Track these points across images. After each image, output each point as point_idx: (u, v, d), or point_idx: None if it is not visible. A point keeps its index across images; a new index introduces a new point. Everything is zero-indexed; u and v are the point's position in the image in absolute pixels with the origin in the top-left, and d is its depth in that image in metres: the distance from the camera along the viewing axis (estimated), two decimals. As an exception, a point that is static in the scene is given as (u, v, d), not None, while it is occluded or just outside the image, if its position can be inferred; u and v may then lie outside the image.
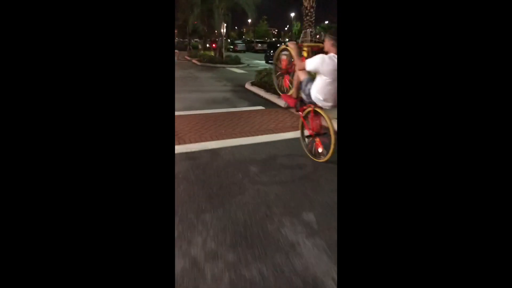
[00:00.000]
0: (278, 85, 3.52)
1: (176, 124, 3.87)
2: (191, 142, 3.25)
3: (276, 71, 3.56)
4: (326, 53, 2.46)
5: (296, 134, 3.15)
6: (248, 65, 14.26)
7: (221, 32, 14.46)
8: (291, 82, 3.16)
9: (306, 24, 6.82)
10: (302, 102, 2.89)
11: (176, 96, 5.66)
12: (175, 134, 3.49)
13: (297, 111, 3.00)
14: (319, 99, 2.52)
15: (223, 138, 3.41)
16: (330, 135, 2.51)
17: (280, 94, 3.36)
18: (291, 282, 1.38)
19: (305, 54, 2.94)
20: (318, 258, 1.54)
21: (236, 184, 2.33)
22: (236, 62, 14.29)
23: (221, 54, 15.02)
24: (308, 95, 2.63)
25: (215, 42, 16.57)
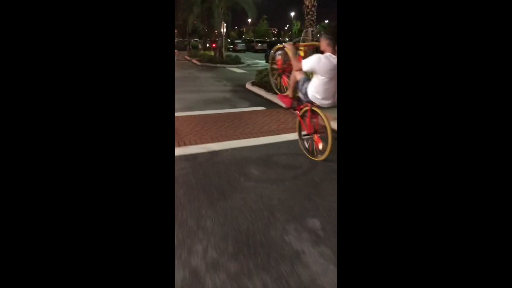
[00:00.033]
0: (275, 84, 3.52)
1: (176, 125, 3.80)
2: (191, 144, 3.17)
3: (273, 71, 3.56)
4: (322, 52, 2.45)
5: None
6: (248, 64, 14.20)
7: (221, 32, 14.39)
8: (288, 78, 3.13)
9: (307, 23, 6.74)
10: (299, 101, 2.89)
11: (176, 96, 5.59)
12: (175, 135, 3.42)
13: (294, 110, 2.99)
14: (317, 98, 2.51)
15: (224, 140, 3.34)
16: (327, 134, 2.50)
17: (278, 94, 3.35)
18: (297, 294, 1.31)
19: (301, 53, 2.92)
20: (325, 268, 1.46)
21: (237, 188, 2.25)
22: (236, 62, 14.23)
23: (221, 54, 14.94)
24: (305, 94, 2.62)
25: (215, 41, 16.52)
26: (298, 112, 2.92)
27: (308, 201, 2.09)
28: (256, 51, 28.36)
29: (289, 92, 2.93)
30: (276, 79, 3.49)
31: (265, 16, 59.34)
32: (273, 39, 53.50)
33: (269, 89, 6.02)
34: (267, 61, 15.32)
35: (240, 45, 30.22)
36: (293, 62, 2.69)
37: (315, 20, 6.73)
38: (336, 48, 2.36)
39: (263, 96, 6.03)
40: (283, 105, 3.14)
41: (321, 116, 2.59)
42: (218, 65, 13.61)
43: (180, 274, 1.39)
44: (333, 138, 2.48)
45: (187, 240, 1.63)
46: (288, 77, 3.00)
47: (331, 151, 2.51)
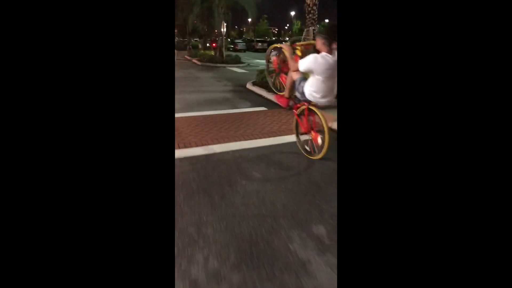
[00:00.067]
0: (273, 83, 3.54)
1: (176, 126, 3.74)
2: (191, 146, 3.11)
3: (269, 71, 3.60)
4: (318, 52, 2.45)
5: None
6: (248, 64, 14.12)
7: (221, 31, 14.30)
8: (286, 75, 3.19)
9: (309, 22, 6.66)
10: (296, 100, 2.89)
11: (176, 97, 5.54)
12: (175, 137, 3.35)
13: (291, 109, 3.04)
14: (314, 96, 2.53)
15: (224, 142, 3.27)
16: (324, 133, 2.53)
17: (275, 93, 3.41)
18: (303, 308, 1.24)
19: (298, 53, 2.93)
20: (331, 278, 1.39)
21: (239, 193, 2.18)
22: (237, 61, 14.15)
23: (221, 53, 14.86)
24: (302, 93, 2.64)
25: (215, 41, 16.42)
26: (295, 111, 2.94)
27: (312, 206, 2.03)
28: (257, 50, 28.31)
29: (285, 92, 2.95)
30: (273, 78, 3.51)
31: (265, 16, 59.11)
32: (273, 38, 53.34)
33: (270, 89, 5.94)
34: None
35: (241, 44, 30.11)
36: (290, 63, 2.69)
37: (316, 19, 6.65)
38: (334, 46, 2.38)
39: (264, 96, 5.96)
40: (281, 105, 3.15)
41: (318, 115, 2.60)
42: (218, 64, 13.53)
43: (180, 286, 1.33)
44: (330, 136, 2.50)
45: (187, 249, 1.57)
46: (286, 74, 3.00)
47: (327, 150, 2.56)
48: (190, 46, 24.30)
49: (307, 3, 6.62)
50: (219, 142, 3.24)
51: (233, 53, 16.87)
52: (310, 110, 2.70)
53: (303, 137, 2.96)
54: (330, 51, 2.39)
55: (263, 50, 22.55)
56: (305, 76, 2.65)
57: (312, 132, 2.76)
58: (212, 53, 16.64)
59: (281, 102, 3.08)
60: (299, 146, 2.99)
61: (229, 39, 33.53)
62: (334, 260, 1.51)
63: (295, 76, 2.71)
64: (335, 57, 2.39)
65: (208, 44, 20.50)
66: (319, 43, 2.42)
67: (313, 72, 2.44)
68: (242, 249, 1.57)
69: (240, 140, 3.35)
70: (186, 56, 18.68)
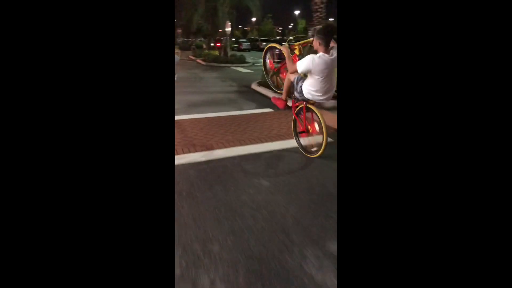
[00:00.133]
0: (272, 83, 3.55)
1: (179, 129, 3.61)
2: (195, 151, 2.97)
3: (267, 71, 3.61)
4: (316, 52, 2.48)
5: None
6: (253, 64, 13.96)
7: (225, 31, 14.17)
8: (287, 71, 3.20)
9: (316, 21, 6.48)
10: (295, 99, 2.90)
11: (180, 98, 5.42)
12: (178, 141, 3.21)
13: (290, 108, 3.11)
14: (313, 94, 2.58)
15: (230, 146, 3.13)
16: (322, 131, 2.58)
17: (276, 92, 3.50)
18: None
19: (297, 52, 2.96)
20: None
21: (247, 203, 2.03)
22: (241, 61, 13.99)
23: (225, 53, 14.73)
24: (300, 93, 2.68)
25: (219, 41, 16.27)
26: (293, 110, 2.98)
27: (326, 219, 1.87)
28: (261, 50, 28.14)
29: (283, 95, 2.99)
30: (272, 77, 3.53)
31: (270, 15, 58.82)
32: (278, 38, 53.08)
33: (275, 90, 5.80)
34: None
35: (245, 44, 29.91)
36: (288, 65, 2.72)
37: (324, 17, 6.46)
38: (332, 45, 2.44)
39: (270, 97, 5.80)
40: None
41: (315, 113, 2.67)
42: (223, 64, 13.39)
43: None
44: (327, 134, 2.57)
45: (191, 270, 1.42)
46: (287, 69, 2.98)
47: (325, 148, 2.62)
48: (194, 46, 24.21)
49: (314, 1, 6.44)
50: (224, 146, 3.10)
51: (238, 53, 16.72)
52: (308, 109, 2.76)
53: (302, 136, 2.97)
54: (327, 51, 2.43)
55: (268, 50, 22.37)
56: (302, 76, 2.70)
57: (309, 127, 2.81)
58: (217, 53, 16.48)
59: (278, 105, 3.09)
60: (298, 145, 3.01)
61: (233, 39, 33.40)
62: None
63: (292, 77, 2.75)
64: (333, 55, 2.41)
65: (212, 44, 20.38)
66: (317, 43, 2.45)
67: (311, 72, 2.48)
68: (252, 270, 1.42)
69: (246, 144, 3.20)
70: (190, 56, 18.57)
